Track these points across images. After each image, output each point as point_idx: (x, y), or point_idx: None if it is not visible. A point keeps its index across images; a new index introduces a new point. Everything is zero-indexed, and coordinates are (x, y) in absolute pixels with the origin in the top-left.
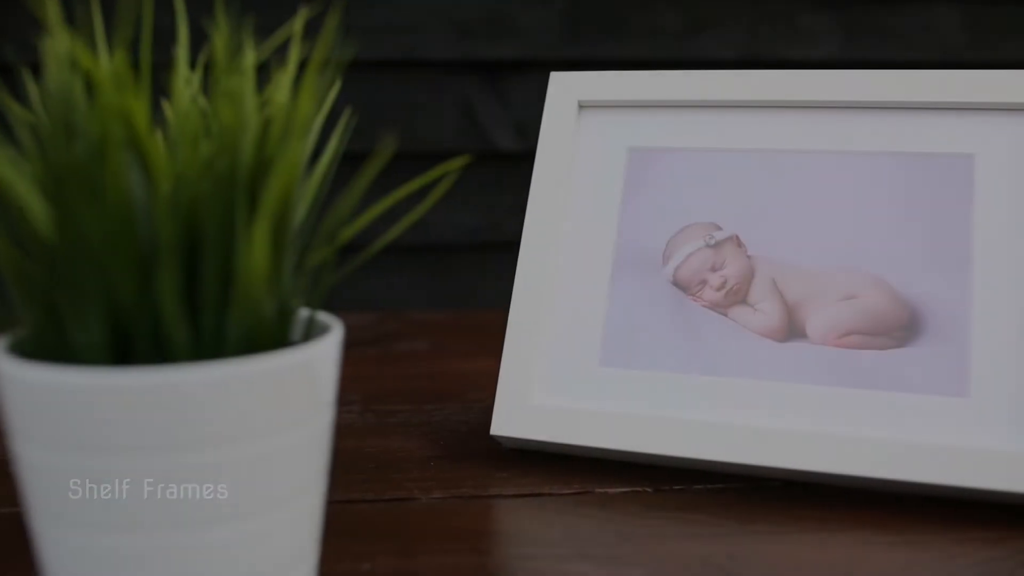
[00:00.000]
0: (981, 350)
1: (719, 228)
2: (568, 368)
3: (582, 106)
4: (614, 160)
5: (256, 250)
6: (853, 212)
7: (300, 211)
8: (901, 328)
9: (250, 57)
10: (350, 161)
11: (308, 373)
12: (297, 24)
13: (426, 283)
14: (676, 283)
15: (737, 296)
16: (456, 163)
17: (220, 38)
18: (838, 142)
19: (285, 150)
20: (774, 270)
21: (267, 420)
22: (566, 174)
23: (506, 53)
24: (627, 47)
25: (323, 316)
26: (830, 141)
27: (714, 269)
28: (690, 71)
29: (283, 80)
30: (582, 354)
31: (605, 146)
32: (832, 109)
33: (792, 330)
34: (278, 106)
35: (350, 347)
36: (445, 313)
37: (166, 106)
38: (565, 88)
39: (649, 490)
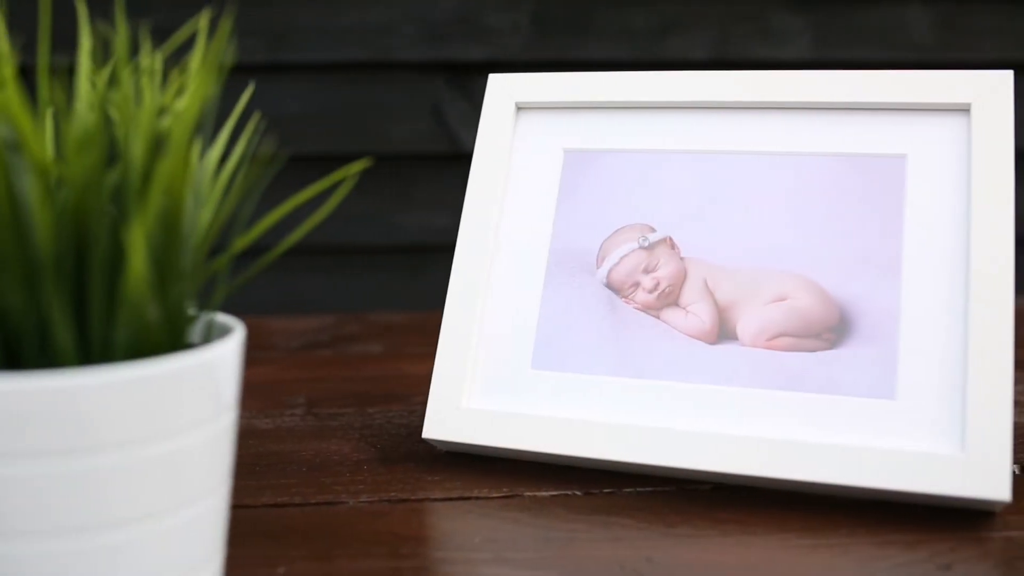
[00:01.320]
0: (909, 352)
1: (653, 230)
2: (500, 371)
3: (520, 108)
4: (551, 162)
5: (134, 256)
6: (787, 213)
7: (196, 216)
8: (830, 330)
9: (149, 61)
10: (327, 163)
11: (203, 376)
12: (193, 27)
13: (396, 285)
14: (609, 285)
15: (669, 298)
16: (356, 166)
17: (120, 41)
18: (773, 143)
19: (164, 156)
20: (707, 272)
21: (161, 423)
22: (503, 176)
23: (475, 55)
24: (597, 48)
25: (225, 319)
26: (765, 142)
27: (647, 271)
28: (626, 72)
29: (176, 85)
30: (514, 357)
31: (542, 148)
32: (767, 110)
33: (723, 332)
34: (172, 111)
35: (305, 349)
36: (407, 315)
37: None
38: (503, 90)
39: (578, 493)
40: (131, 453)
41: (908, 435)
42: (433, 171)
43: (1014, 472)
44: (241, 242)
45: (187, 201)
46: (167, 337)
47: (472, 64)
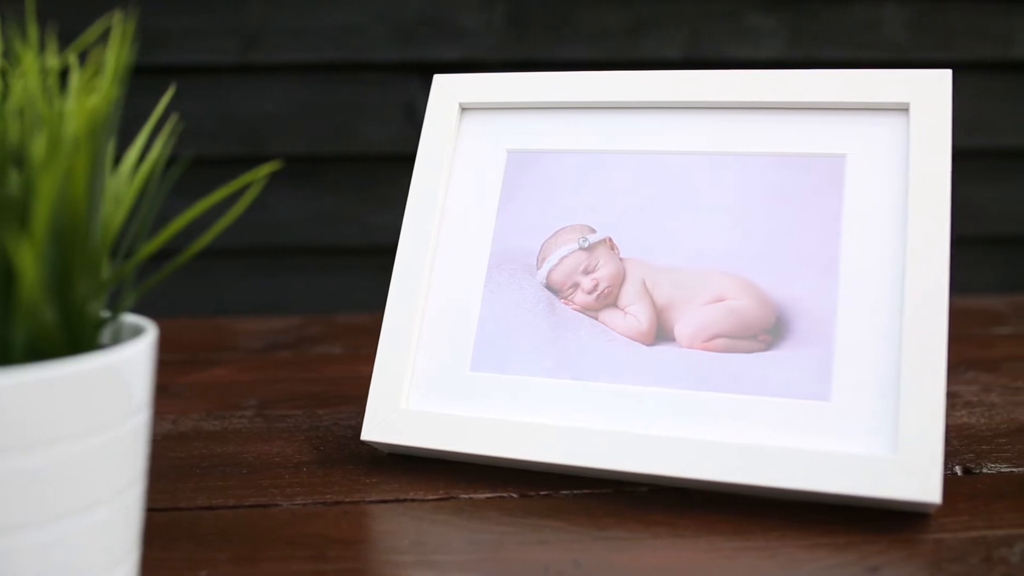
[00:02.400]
0: (844, 354)
1: (593, 231)
2: (439, 373)
3: (464, 108)
4: (494, 162)
5: (23, 261)
6: (726, 214)
7: (97, 218)
8: (767, 331)
9: (52, 63)
10: (302, 163)
11: (109, 378)
12: (100, 29)
13: (371, 285)
14: (549, 286)
15: (608, 299)
16: (266, 169)
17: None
18: (714, 143)
19: (54, 161)
20: (646, 273)
21: (65, 425)
22: (445, 177)
23: (449, 55)
24: (571, 48)
25: (137, 321)
26: (706, 142)
27: (587, 272)
28: (570, 72)
29: (80, 87)
30: (454, 358)
31: (485, 148)
32: (708, 110)
33: (661, 333)
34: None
35: (266, 351)
36: (372, 316)
37: None
38: (447, 91)
39: (514, 495)
40: (35, 455)
41: (842, 437)
42: (406, 171)
43: (956, 473)
44: (149, 247)
45: (88, 204)
46: (69, 339)
47: (446, 64)
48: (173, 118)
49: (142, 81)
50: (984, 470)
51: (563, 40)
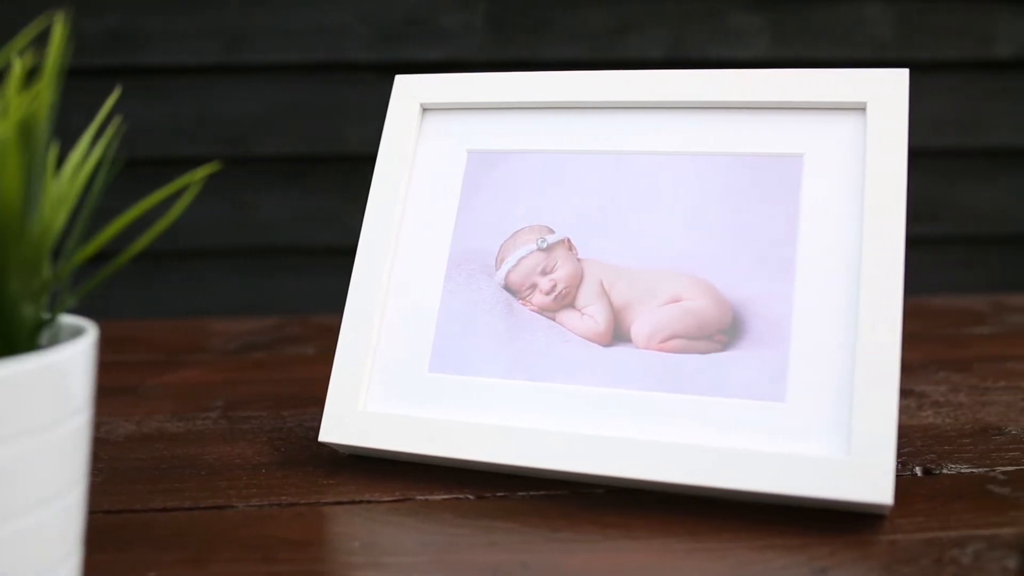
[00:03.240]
0: (800, 355)
1: (552, 231)
2: (398, 374)
3: (425, 109)
4: (454, 163)
5: None
6: (684, 214)
7: (31, 221)
8: (723, 332)
9: None
10: (284, 163)
11: (44, 379)
12: (37, 28)
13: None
14: (507, 287)
15: (566, 300)
16: (204, 171)
17: None
18: (672, 143)
19: None
20: (603, 273)
21: (0, 427)
22: (406, 177)
23: (431, 55)
24: (552, 48)
25: (78, 323)
26: (664, 142)
27: (545, 273)
28: (530, 73)
29: (9, 89)
30: (412, 360)
31: (446, 149)
32: (667, 110)
33: (618, 334)
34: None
35: (240, 352)
36: None
37: None
38: (408, 91)
39: (470, 497)
40: None
41: (796, 438)
42: None
43: (916, 474)
44: (86, 250)
45: (22, 205)
46: (4, 340)
47: (427, 65)
48: (116, 120)
49: (124, 82)
50: (944, 471)
51: (545, 40)
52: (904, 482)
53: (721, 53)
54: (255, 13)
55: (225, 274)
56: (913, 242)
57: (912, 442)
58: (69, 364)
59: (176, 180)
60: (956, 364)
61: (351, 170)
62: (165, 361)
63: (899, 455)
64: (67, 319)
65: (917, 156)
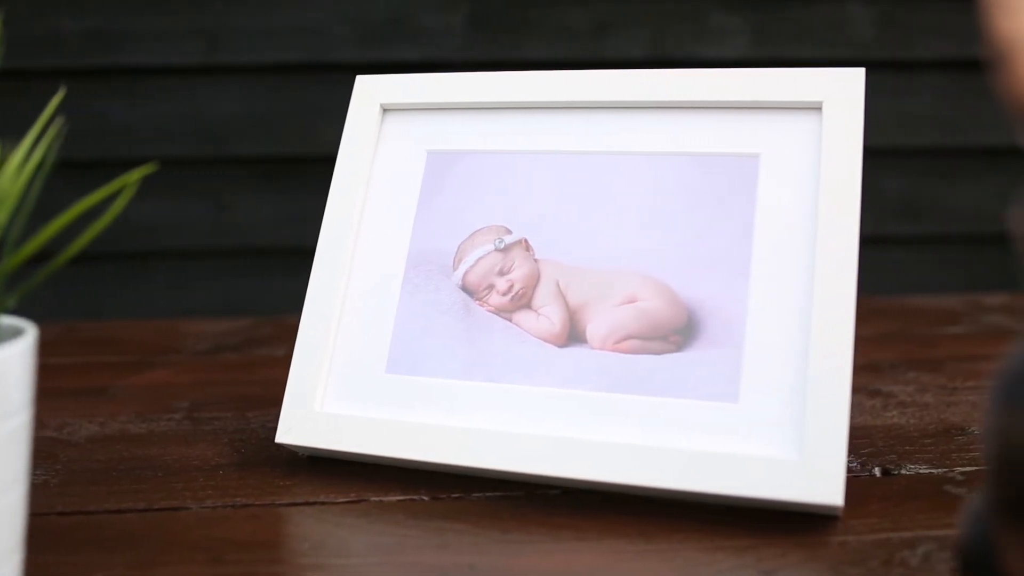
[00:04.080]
0: (753, 355)
1: (509, 231)
2: (355, 375)
3: (385, 109)
4: (413, 163)
5: None
6: (640, 214)
7: None
8: (677, 332)
9: None
10: (265, 164)
11: None
12: None
13: None
14: (465, 287)
15: (522, 300)
16: (140, 172)
17: None
18: (629, 143)
19: None
20: (560, 273)
21: None
22: (366, 178)
23: (411, 55)
24: (533, 48)
25: (17, 324)
26: (622, 142)
27: (502, 273)
28: (489, 73)
29: None
30: (369, 360)
31: (405, 149)
32: (624, 110)
33: (573, 334)
34: None
35: (211, 353)
36: None
37: None
38: (369, 91)
39: (426, 498)
40: None
41: (749, 439)
42: None
43: (875, 474)
44: (23, 252)
45: None
46: None
47: (408, 65)
48: (59, 120)
49: (105, 82)
50: (903, 471)
51: (526, 40)
52: (862, 482)
53: (701, 53)
54: (235, 13)
55: (205, 275)
56: (895, 241)
57: (874, 442)
58: (5, 366)
59: (114, 181)
60: (927, 364)
61: (331, 171)
62: (135, 362)
63: (859, 455)
64: (7, 320)
65: (898, 155)
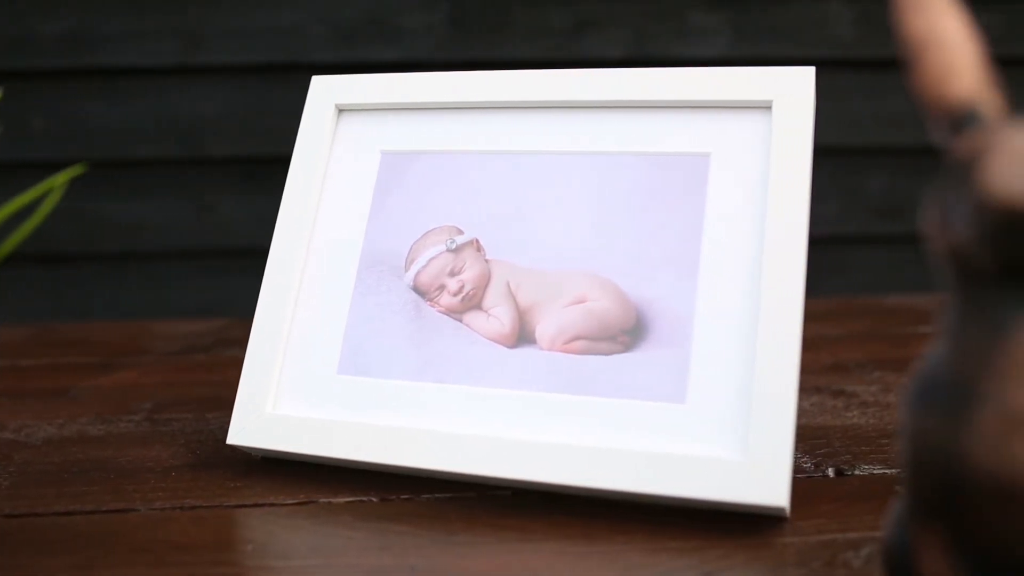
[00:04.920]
0: (701, 355)
1: (461, 232)
2: (307, 376)
3: (341, 110)
4: (367, 164)
5: None
6: (591, 214)
7: None
8: (626, 332)
9: None
10: (242, 164)
11: None
12: None
13: None
14: (416, 288)
15: (473, 301)
16: (65, 175)
17: None
18: (582, 142)
19: None
20: (511, 274)
21: None
22: (320, 179)
23: (389, 55)
24: (512, 48)
25: None
26: (574, 142)
27: (453, 274)
28: (444, 72)
29: None
30: (321, 362)
31: (360, 150)
32: (576, 110)
33: (523, 335)
34: None
35: (180, 354)
36: None
37: None
38: (324, 91)
39: (375, 499)
40: None
41: (695, 440)
42: None
43: (828, 475)
44: None
45: None
46: None
47: (386, 65)
48: None
49: (82, 83)
50: (856, 471)
51: (505, 40)
52: (815, 483)
53: (681, 52)
54: (212, 14)
55: (186, 275)
56: (879, 241)
57: (831, 443)
58: None
59: (39, 185)
60: (894, 364)
61: None
62: (102, 364)
63: (814, 456)
64: None
65: (879, 154)
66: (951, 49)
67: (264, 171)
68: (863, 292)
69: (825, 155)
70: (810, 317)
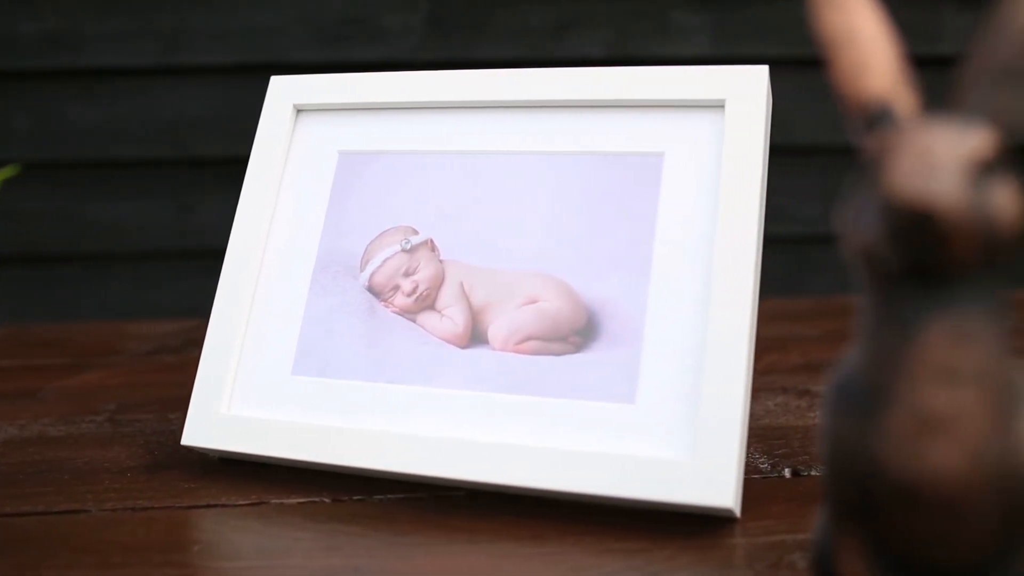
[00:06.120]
0: (652, 356)
1: (416, 232)
2: (261, 377)
3: (299, 110)
4: (325, 164)
5: None
6: (544, 214)
7: None
8: (577, 332)
9: None
10: (224, 165)
11: None
12: None
13: None
14: (371, 289)
15: (427, 301)
16: (5, 173)
17: None
18: (536, 142)
19: None
20: (464, 274)
21: None
22: (277, 179)
23: (369, 56)
24: (493, 48)
25: None
26: (529, 141)
27: (407, 274)
28: (401, 72)
29: None
30: (276, 362)
31: (318, 150)
32: (530, 109)
33: (476, 336)
34: None
35: (152, 355)
36: None
37: None
38: (282, 92)
39: (327, 500)
40: None
41: (645, 440)
42: None
43: (785, 476)
44: None
45: None
46: None
47: (367, 65)
48: None
49: (64, 83)
50: (813, 472)
51: (485, 40)
52: (770, 484)
53: (662, 51)
54: (193, 14)
55: (167, 276)
56: None
57: (790, 443)
58: None
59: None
60: None
61: None
62: (72, 364)
63: (772, 456)
64: None
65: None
66: (866, 47)
67: (245, 171)
68: (847, 292)
69: (808, 155)
70: (787, 316)
